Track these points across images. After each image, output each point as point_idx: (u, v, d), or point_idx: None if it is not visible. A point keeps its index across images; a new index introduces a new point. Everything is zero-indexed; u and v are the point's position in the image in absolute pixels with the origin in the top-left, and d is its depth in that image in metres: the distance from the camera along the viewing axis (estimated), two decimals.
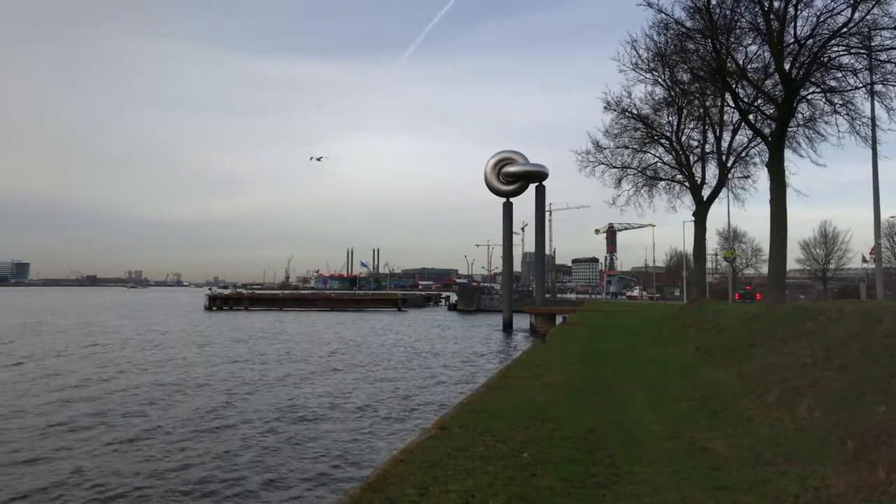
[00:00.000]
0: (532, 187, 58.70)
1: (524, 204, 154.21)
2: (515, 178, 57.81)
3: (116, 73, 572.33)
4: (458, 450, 7.35)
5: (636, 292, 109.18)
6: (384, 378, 25.13)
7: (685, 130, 34.30)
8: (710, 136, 33.13)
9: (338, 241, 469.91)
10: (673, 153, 34.63)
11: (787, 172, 24.07)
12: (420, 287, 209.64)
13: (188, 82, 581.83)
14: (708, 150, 33.78)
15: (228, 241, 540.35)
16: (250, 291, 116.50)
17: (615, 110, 33.87)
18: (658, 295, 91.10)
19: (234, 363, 29.16)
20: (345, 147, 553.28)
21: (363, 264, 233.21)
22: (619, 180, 35.64)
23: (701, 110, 32.68)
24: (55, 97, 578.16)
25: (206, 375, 25.14)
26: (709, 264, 49.54)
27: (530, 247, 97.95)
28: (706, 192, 33.51)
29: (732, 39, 24.73)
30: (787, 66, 22.25)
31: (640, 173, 35.87)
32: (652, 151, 35.59)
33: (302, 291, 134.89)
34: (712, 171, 33.75)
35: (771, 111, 25.49)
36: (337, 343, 39.79)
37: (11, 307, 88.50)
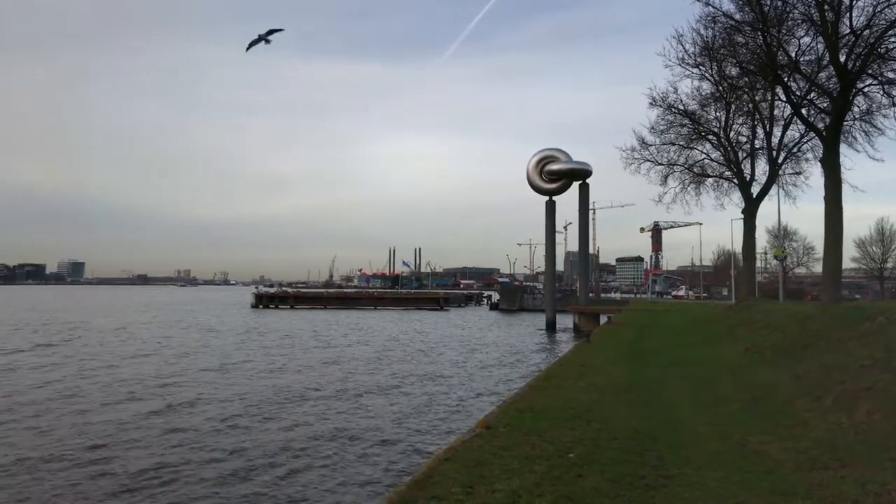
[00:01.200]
0: (575, 185, 58.09)
1: (567, 202, 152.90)
2: (558, 177, 57.28)
3: (164, 77, 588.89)
4: (503, 449, 7.31)
5: (682, 292, 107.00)
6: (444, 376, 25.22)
7: (734, 126, 33.48)
8: (760, 131, 32.29)
9: (380, 240, 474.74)
10: (721, 149, 33.85)
11: (842, 168, 23.23)
12: (461, 286, 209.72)
13: (234, 84, 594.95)
14: (758, 146, 32.91)
15: (274, 240, 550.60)
16: (295, 290, 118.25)
17: (661, 106, 33.24)
18: (705, 294, 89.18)
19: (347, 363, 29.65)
20: (387, 147, 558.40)
21: (405, 263, 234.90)
22: (665, 177, 35.02)
23: (750, 105, 31.87)
24: (106, 101, 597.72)
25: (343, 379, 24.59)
26: (758, 263, 48.10)
27: (573, 246, 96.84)
28: (756, 189, 32.65)
29: (784, 31, 23.99)
30: (842, 58, 21.50)
31: (686, 170, 35.18)
32: (699, 148, 34.86)
33: (345, 290, 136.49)
34: (762, 167, 32.88)
35: (825, 105, 24.71)
36: (404, 342, 40.14)
37: (109, 306, 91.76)
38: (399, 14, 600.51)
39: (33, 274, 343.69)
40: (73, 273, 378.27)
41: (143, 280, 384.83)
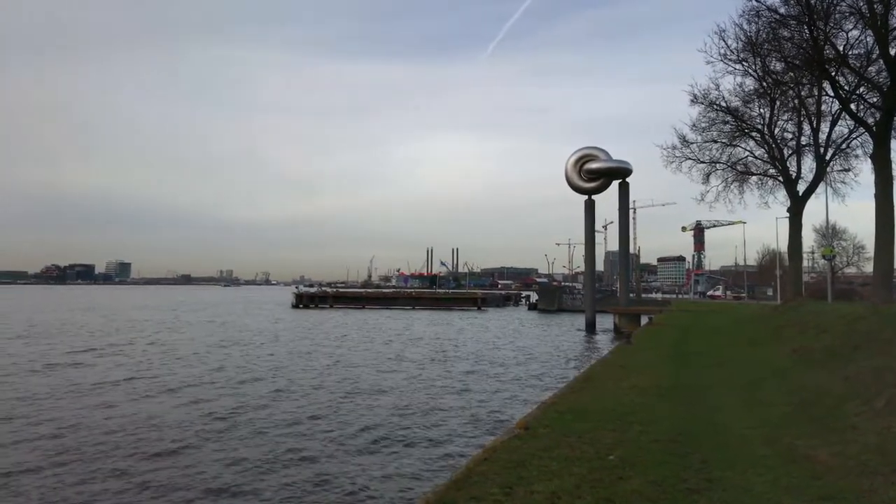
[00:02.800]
0: (615, 184, 57.36)
1: (607, 201, 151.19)
2: (598, 175, 56.61)
3: (208, 80, 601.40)
4: (542, 450, 7.27)
5: (719, 291, 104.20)
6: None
7: (778, 122, 32.69)
8: (807, 127, 31.47)
9: (418, 240, 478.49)
10: (765, 146, 33.08)
11: (893, 164, 22.50)
12: (499, 286, 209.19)
13: (275, 87, 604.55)
14: (804, 143, 32.08)
15: (314, 240, 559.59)
16: (335, 290, 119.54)
17: (702, 103, 32.63)
18: (743, 294, 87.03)
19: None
20: (425, 147, 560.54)
21: (443, 263, 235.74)
22: (708, 176, 34.40)
23: (796, 101, 31.09)
24: (152, 106, 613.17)
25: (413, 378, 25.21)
26: (805, 263, 46.90)
27: (613, 245, 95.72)
28: (802, 187, 31.83)
29: (831, 25, 23.34)
30: (892, 52, 20.87)
31: (729, 168, 34.49)
32: (742, 145, 34.14)
33: (384, 290, 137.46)
34: (809, 164, 32.04)
35: (875, 99, 23.99)
36: (447, 342, 40.32)
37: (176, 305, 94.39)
38: (438, 15, 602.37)
39: (83, 274, 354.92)
40: (120, 273, 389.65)
41: (186, 280, 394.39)
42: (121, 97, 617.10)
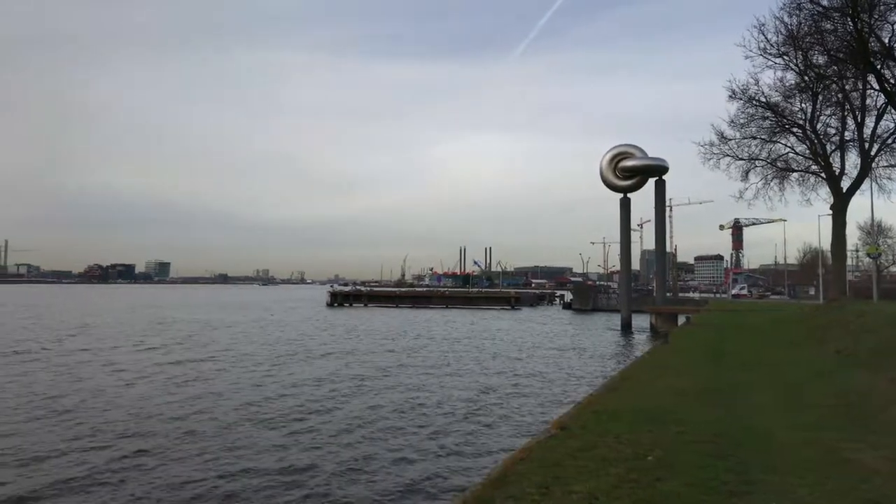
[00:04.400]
0: (651, 182, 56.67)
1: (642, 199, 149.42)
2: (633, 173, 56.04)
3: (245, 81, 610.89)
4: (578, 450, 7.22)
5: (745, 290, 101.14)
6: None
7: (821, 117, 31.86)
8: (851, 122, 30.63)
9: (451, 239, 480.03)
10: (807, 142, 32.28)
11: None
12: (533, 285, 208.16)
13: (310, 88, 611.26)
14: (847, 138, 31.22)
15: (348, 240, 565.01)
16: (369, 289, 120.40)
17: (741, 99, 32.03)
18: (767, 292, 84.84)
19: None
20: (459, 146, 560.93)
21: (476, 262, 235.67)
22: (747, 173, 33.72)
23: (839, 95, 30.29)
24: (190, 107, 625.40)
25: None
26: (849, 261, 45.65)
27: (649, 244, 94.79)
28: (846, 184, 30.98)
29: (876, 16, 22.74)
30: None
31: (769, 165, 33.75)
32: (783, 141, 33.37)
33: (417, 289, 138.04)
34: (853, 160, 31.19)
35: None
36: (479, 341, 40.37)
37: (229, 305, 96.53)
38: (472, 13, 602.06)
39: (123, 273, 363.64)
40: (159, 273, 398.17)
41: (223, 279, 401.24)
42: (159, 100, 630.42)
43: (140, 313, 69.09)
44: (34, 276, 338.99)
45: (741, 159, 33.67)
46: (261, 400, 19.82)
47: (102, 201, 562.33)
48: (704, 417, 9.12)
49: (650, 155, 56.04)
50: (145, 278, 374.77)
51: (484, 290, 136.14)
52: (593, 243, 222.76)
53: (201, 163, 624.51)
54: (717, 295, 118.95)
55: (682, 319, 44.94)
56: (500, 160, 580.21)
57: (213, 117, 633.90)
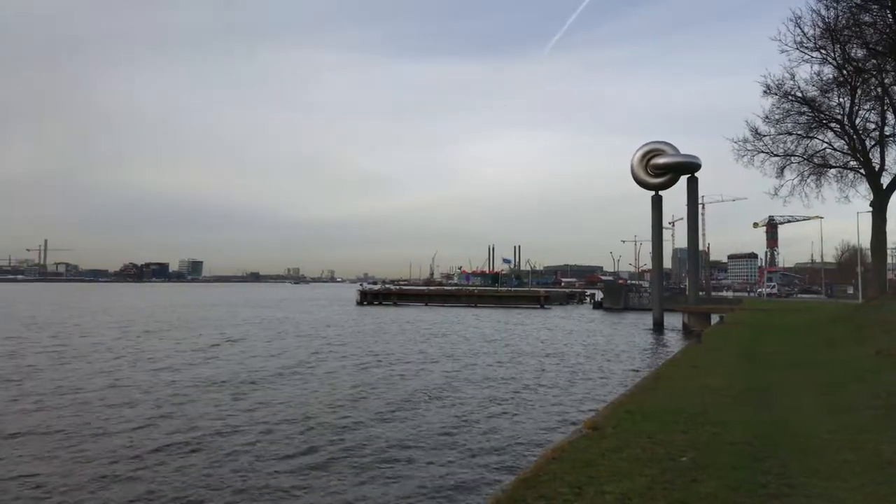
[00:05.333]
0: (683, 179, 55.89)
1: (674, 197, 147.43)
2: (665, 171, 55.31)
3: (273, 82, 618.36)
4: (611, 451, 7.13)
5: (775, 289, 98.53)
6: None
7: (860, 112, 31.07)
8: (891, 117, 29.91)
9: (479, 238, 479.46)
10: (845, 138, 31.49)
11: None
12: (562, 284, 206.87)
13: (340, 88, 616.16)
14: (888, 133, 30.44)
15: (377, 238, 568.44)
16: (398, 287, 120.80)
17: (776, 94, 31.41)
18: (786, 288, 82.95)
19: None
20: (487, 144, 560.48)
21: (505, 261, 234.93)
22: (782, 169, 33.05)
23: (879, 89, 29.52)
24: (221, 108, 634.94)
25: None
26: (889, 259, 44.49)
27: (681, 242, 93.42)
28: (886, 180, 30.21)
29: None
30: None
31: (805, 161, 33.02)
32: (820, 137, 32.62)
33: (446, 287, 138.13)
34: (893, 155, 30.44)
35: None
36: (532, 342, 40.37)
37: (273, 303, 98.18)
38: (500, 12, 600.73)
39: (158, 272, 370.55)
40: (192, 271, 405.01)
41: (255, 277, 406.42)
42: (193, 102, 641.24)
43: (212, 312, 70.48)
44: (72, 274, 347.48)
45: (776, 155, 33.04)
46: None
47: (137, 201, 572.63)
48: (741, 418, 8.94)
49: (682, 152, 55.30)
50: (178, 277, 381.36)
51: (513, 288, 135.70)
52: (624, 242, 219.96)
53: (232, 163, 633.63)
54: (751, 294, 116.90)
55: (715, 319, 44.26)
56: (528, 158, 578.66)
57: (245, 118, 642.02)
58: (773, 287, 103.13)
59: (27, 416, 17.12)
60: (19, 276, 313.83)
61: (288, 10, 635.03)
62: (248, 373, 25.13)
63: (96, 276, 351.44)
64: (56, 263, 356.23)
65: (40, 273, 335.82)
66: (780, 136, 32.79)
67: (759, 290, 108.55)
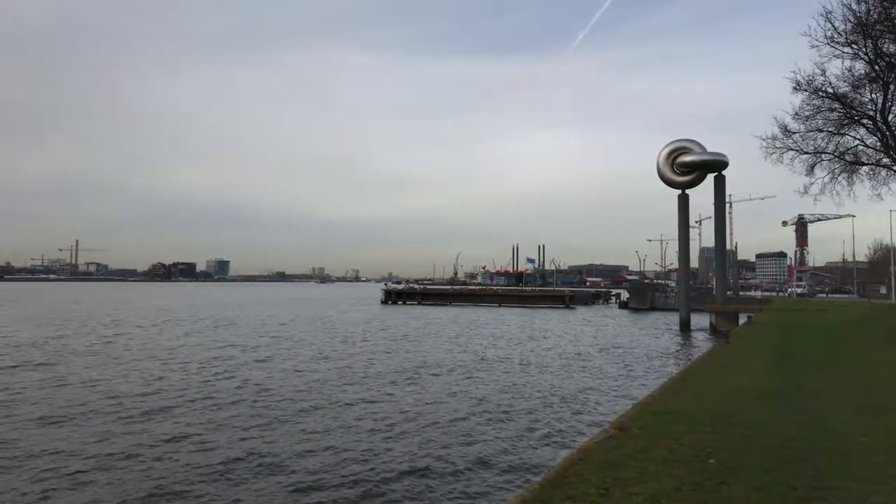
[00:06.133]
0: (710, 178, 55.15)
1: (701, 195, 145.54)
2: (691, 169, 54.61)
3: (301, 85, 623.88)
4: (638, 452, 7.04)
5: (804, 288, 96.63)
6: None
7: (893, 108, 30.28)
8: None
9: (503, 237, 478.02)
10: (878, 134, 30.71)
11: None
12: (587, 284, 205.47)
13: (365, 88, 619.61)
14: None
15: (401, 238, 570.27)
16: (422, 287, 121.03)
17: (806, 90, 30.64)
18: (801, 288, 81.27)
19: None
20: (511, 143, 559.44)
21: (529, 260, 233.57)
22: (812, 167, 32.29)
23: None
24: (251, 110, 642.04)
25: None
26: None
27: (708, 241, 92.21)
28: None
29: None
30: None
31: (837, 158, 32.24)
32: (852, 134, 31.79)
33: (470, 287, 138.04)
34: None
35: None
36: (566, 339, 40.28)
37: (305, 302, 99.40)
38: (525, 10, 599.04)
39: (185, 272, 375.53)
40: (219, 271, 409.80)
41: (280, 277, 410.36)
42: (222, 102, 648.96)
43: (272, 309, 71.33)
44: (102, 274, 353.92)
45: (806, 153, 32.30)
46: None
47: (166, 202, 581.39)
48: (771, 420, 8.77)
49: (709, 150, 54.59)
50: (205, 276, 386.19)
51: (538, 288, 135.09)
52: (650, 241, 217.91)
53: (259, 163, 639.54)
54: (780, 293, 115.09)
55: (743, 319, 43.62)
56: (553, 157, 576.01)
57: (272, 119, 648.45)
58: (803, 287, 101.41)
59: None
60: (51, 276, 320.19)
61: (314, 11, 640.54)
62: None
63: (125, 275, 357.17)
64: (87, 263, 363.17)
65: (72, 273, 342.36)
66: (811, 133, 32.03)
67: (789, 289, 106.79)
